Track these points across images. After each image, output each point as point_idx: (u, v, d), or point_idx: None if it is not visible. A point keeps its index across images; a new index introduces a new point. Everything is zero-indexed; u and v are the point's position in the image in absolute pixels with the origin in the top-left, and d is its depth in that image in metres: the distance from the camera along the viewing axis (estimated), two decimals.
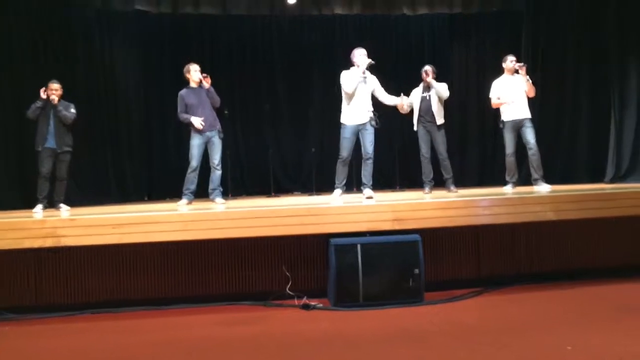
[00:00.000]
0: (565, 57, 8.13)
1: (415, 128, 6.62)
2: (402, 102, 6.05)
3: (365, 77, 5.79)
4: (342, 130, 5.85)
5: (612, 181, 7.08)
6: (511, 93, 6.41)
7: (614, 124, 7.27)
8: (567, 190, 5.49)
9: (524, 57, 8.11)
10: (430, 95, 6.54)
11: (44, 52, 7.37)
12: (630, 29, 7.15)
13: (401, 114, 6.45)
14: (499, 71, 8.62)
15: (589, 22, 7.94)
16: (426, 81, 6.52)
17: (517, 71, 6.37)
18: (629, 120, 7.16)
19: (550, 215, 4.48)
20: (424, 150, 6.56)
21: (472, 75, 9.58)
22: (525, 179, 6.64)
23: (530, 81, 6.33)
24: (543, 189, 5.98)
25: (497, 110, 6.66)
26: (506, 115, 6.48)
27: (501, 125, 6.54)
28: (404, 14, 8.85)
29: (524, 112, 6.37)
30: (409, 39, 9.98)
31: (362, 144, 5.83)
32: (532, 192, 5.28)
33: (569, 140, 7.97)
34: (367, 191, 5.76)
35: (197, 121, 5.95)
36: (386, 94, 5.95)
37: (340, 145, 5.85)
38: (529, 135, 6.28)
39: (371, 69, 5.78)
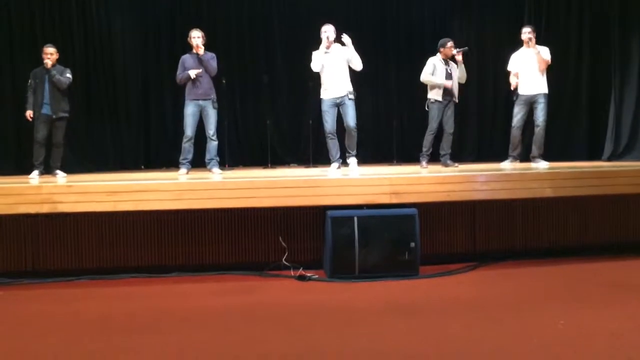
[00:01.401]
0: (568, 32, 8.04)
1: (433, 98, 6.38)
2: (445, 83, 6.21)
3: (327, 52, 5.85)
4: (321, 106, 5.97)
5: (609, 159, 7.08)
6: (526, 66, 6.29)
7: (613, 102, 7.23)
8: (565, 167, 5.49)
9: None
10: (452, 70, 6.40)
11: (41, 19, 7.26)
12: (633, 6, 7.05)
13: (400, 88, 6.43)
14: (500, 44, 8.49)
15: None
16: (456, 58, 6.35)
17: (453, 58, 6.32)
18: (628, 99, 7.12)
19: (548, 192, 4.48)
20: (435, 125, 6.37)
21: (473, 50, 9.45)
22: (525, 156, 6.60)
23: (541, 52, 6.19)
24: (541, 165, 5.98)
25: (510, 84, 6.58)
26: (521, 89, 6.37)
27: (514, 98, 6.47)
28: None
29: (539, 88, 6.26)
30: (410, 12, 9.84)
31: (343, 118, 5.93)
32: (529, 169, 5.28)
33: (568, 116, 7.93)
34: (352, 160, 5.98)
35: (192, 72, 5.92)
36: (357, 61, 5.90)
37: (323, 120, 5.95)
38: (540, 112, 6.22)
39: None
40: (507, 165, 6.38)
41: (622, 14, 7.15)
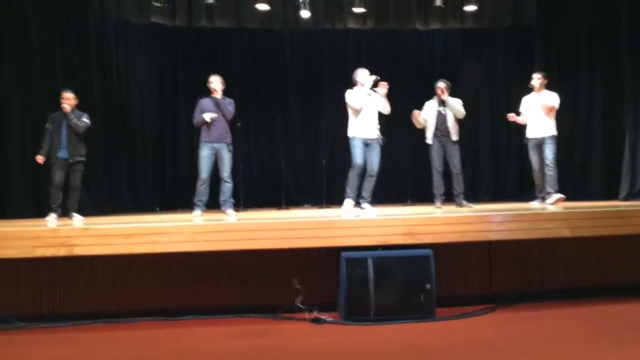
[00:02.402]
0: (579, 72, 8.08)
1: (429, 141, 6.58)
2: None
3: (370, 94, 6.07)
4: (351, 142, 6.08)
5: (626, 198, 7.00)
6: (534, 110, 6.50)
7: (628, 140, 7.18)
8: (582, 207, 5.45)
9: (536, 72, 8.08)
10: (446, 110, 6.53)
11: (61, 63, 7.46)
12: None
13: (415, 127, 6.52)
14: (511, 86, 8.63)
15: (601, 37, 7.90)
16: (441, 98, 6.50)
17: (441, 99, 6.46)
18: None
19: (565, 232, 4.43)
20: (437, 164, 6.54)
21: (484, 90, 9.57)
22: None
23: (546, 99, 6.40)
24: (551, 199, 6.22)
25: (522, 126, 6.78)
26: (529, 132, 6.60)
27: (525, 142, 6.67)
28: (416, 29, 8.87)
29: (546, 130, 6.45)
30: (421, 53, 10.00)
31: (367, 160, 6.06)
32: (554, 209, 5.25)
33: (582, 156, 7.90)
34: (366, 205, 6.05)
35: (207, 115, 6.03)
36: (387, 107, 6.18)
37: (352, 154, 6.05)
38: (548, 152, 6.40)
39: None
40: (537, 205, 6.45)
41: (633, 53, 7.18)
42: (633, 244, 4.83)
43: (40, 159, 6.07)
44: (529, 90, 6.67)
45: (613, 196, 7.23)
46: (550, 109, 6.41)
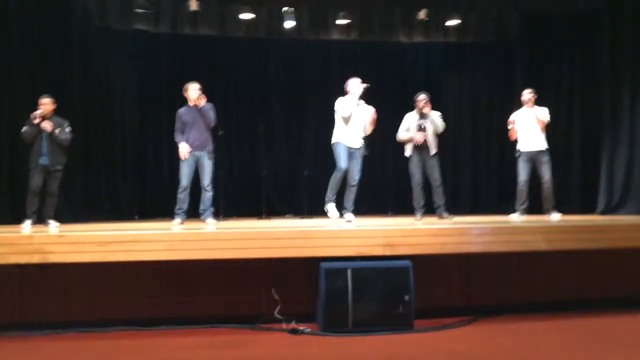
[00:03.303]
0: (559, 88, 8.23)
1: (408, 154, 6.62)
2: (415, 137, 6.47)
3: (358, 104, 6.05)
4: (335, 147, 6.04)
5: (603, 212, 7.10)
6: (526, 125, 6.59)
7: (605, 156, 7.31)
8: (559, 220, 5.50)
9: (518, 88, 8.19)
10: (426, 123, 6.57)
11: (41, 68, 7.36)
12: (623, 63, 7.25)
13: (394, 139, 6.57)
14: (493, 99, 8.78)
15: (581, 55, 8.07)
16: (422, 111, 6.53)
17: (421, 112, 6.54)
18: (620, 152, 7.21)
19: (542, 245, 4.47)
20: (417, 177, 6.58)
21: (466, 103, 9.66)
22: (531, 208, 6.72)
23: (539, 114, 6.50)
24: (553, 217, 6.29)
25: (504, 138, 6.92)
26: (522, 146, 6.65)
27: (517, 155, 6.70)
28: (400, 42, 8.95)
29: (539, 144, 6.54)
30: (405, 66, 10.07)
31: (349, 169, 6.02)
32: (532, 222, 5.29)
33: (561, 170, 8.00)
34: (349, 215, 5.99)
35: (183, 151, 5.98)
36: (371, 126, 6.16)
37: (337, 159, 5.99)
38: (545, 170, 6.50)
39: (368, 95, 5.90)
40: (517, 218, 6.49)
41: (613, 71, 7.32)
42: (610, 258, 4.88)
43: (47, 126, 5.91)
44: (511, 104, 6.77)
45: (591, 210, 7.33)
46: (544, 123, 6.53)
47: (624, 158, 7.17)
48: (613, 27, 7.29)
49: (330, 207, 6.01)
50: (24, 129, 5.93)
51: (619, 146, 7.23)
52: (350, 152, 6.02)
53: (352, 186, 6.07)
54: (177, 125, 6.11)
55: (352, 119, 6.00)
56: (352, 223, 5.65)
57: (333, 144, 6.09)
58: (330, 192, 6.04)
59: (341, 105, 6.02)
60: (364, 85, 6.03)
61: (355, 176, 6.06)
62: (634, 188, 7.09)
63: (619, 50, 7.26)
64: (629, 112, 7.20)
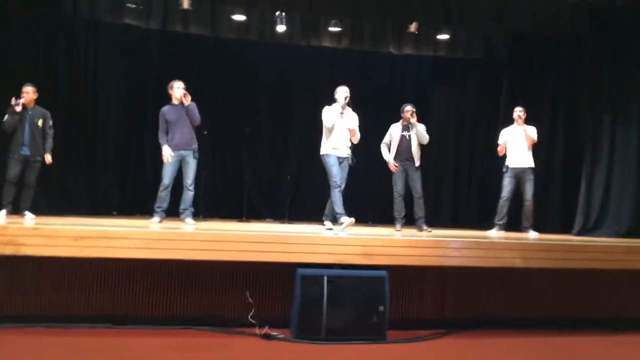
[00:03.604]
0: (542, 107, 8.32)
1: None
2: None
3: (342, 113, 5.95)
4: (326, 159, 5.93)
5: (579, 233, 7.18)
6: (515, 142, 6.71)
7: (584, 178, 7.40)
8: (536, 239, 5.56)
9: (503, 104, 8.30)
10: (410, 135, 6.61)
11: (27, 58, 7.26)
12: (605, 86, 7.36)
13: (378, 149, 6.61)
14: (478, 115, 8.87)
15: (566, 76, 8.19)
16: (410, 122, 6.58)
17: (405, 123, 6.65)
18: (598, 175, 7.30)
19: (518, 262, 4.51)
20: (399, 187, 6.62)
21: (452, 117, 9.72)
22: (510, 225, 6.79)
23: (529, 131, 6.65)
24: (531, 235, 6.38)
25: (488, 155, 7.10)
26: (510, 162, 6.76)
27: (504, 170, 6.80)
28: (390, 53, 9.00)
29: (526, 162, 6.68)
30: (393, 77, 10.12)
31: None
32: (510, 238, 5.33)
33: (541, 190, 8.06)
34: (329, 223, 5.94)
35: (166, 155, 5.93)
36: (357, 137, 6.06)
37: (330, 173, 5.88)
38: (528, 188, 6.63)
39: (354, 104, 5.89)
40: (494, 234, 6.54)
41: (595, 93, 7.43)
42: (583, 278, 4.94)
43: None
44: (495, 120, 6.86)
45: (568, 230, 7.41)
46: (533, 141, 6.68)
47: (603, 180, 7.27)
48: (595, 50, 7.41)
49: (345, 221, 5.66)
50: (6, 118, 5.86)
51: (598, 168, 7.33)
52: (340, 162, 5.94)
53: (334, 188, 5.89)
54: (162, 124, 6.03)
55: (337, 128, 5.93)
56: (332, 231, 5.60)
57: (323, 155, 5.98)
58: (338, 209, 5.79)
59: (325, 115, 5.96)
60: (346, 96, 5.92)
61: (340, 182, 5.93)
62: (610, 210, 7.19)
63: (601, 73, 7.38)
64: (609, 135, 7.30)
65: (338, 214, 5.81)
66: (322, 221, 6.11)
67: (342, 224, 5.66)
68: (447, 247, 4.49)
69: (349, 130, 5.98)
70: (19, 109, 5.80)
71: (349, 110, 6.01)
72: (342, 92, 5.97)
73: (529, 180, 6.63)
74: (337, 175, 5.83)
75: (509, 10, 7.69)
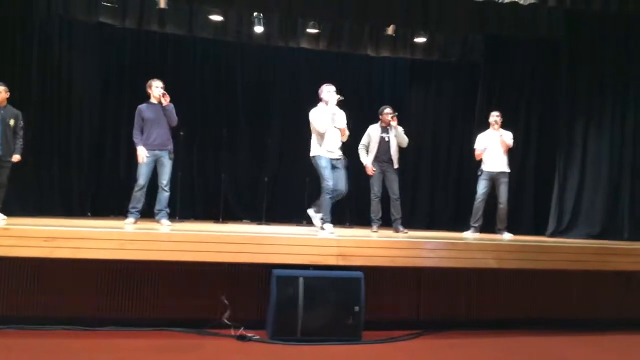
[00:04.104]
0: (518, 111, 8.42)
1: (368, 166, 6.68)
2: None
3: (334, 114, 5.78)
4: (318, 162, 5.68)
5: (552, 235, 7.30)
6: (491, 146, 6.80)
7: (557, 181, 7.53)
8: (510, 240, 5.64)
9: (478, 107, 8.38)
10: (389, 137, 6.65)
11: (0, 56, 7.12)
12: (579, 91, 7.50)
13: (356, 150, 6.62)
14: (454, 117, 8.95)
15: (541, 79, 8.31)
16: (390, 124, 6.61)
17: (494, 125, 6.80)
18: (571, 178, 7.43)
19: (491, 263, 4.57)
20: (376, 189, 6.65)
21: (429, 119, 9.79)
22: (485, 227, 6.88)
23: (505, 137, 6.75)
24: (505, 237, 6.49)
25: (464, 158, 7.19)
26: (485, 166, 6.85)
27: (479, 173, 6.88)
28: (367, 55, 9.05)
29: (501, 166, 6.78)
30: (370, 79, 10.17)
31: (333, 183, 5.67)
32: (490, 239, 5.40)
33: (515, 192, 8.17)
34: (329, 226, 5.63)
35: (141, 155, 5.87)
36: (346, 135, 5.92)
37: (322, 176, 5.63)
38: (502, 191, 6.73)
39: (339, 104, 5.80)
40: (470, 235, 6.61)
41: (569, 98, 7.55)
42: (555, 279, 5.02)
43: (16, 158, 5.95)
44: (471, 123, 6.94)
45: (541, 232, 7.52)
46: (509, 146, 6.79)
47: (575, 183, 7.40)
48: (571, 56, 7.54)
49: (329, 227, 5.54)
50: None
51: (571, 171, 7.46)
52: (332, 164, 5.71)
53: (327, 193, 5.66)
54: (137, 122, 5.96)
55: (329, 130, 5.72)
56: (327, 231, 5.41)
57: (314, 157, 5.75)
58: (325, 213, 5.64)
59: (316, 119, 5.71)
60: (338, 97, 5.75)
61: (341, 188, 5.75)
62: (582, 212, 7.33)
63: (576, 78, 7.50)
64: (582, 139, 7.44)
65: (323, 219, 5.66)
66: (308, 208, 5.93)
67: (323, 229, 5.56)
68: (422, 248, 4.53)
69: (339, 129, 5.80)
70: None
71: (336, 108, 5.81)
72: (332, 92, 5.76)
73: (503, 184, 6.73)
74: (330, 179, 5.59)
75: (486, 14, 7.78)
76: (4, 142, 5.88)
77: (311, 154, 5.80)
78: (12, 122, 5.94)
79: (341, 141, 5.89)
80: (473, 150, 6.97)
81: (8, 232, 3.95)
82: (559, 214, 7.40)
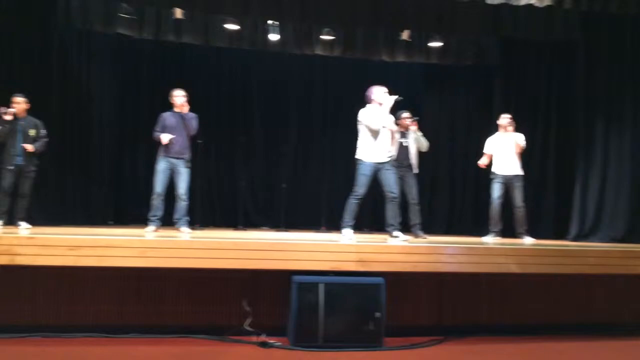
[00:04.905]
0: (535, 114, 8.37)
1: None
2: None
3: (384, 115, 5.73)
4: (359, 167, 5.66)
5: (575, 239, 7.20)
6: (502, 149, 6.74)
7: (579, 183, 7.43)
8: (531, 244, 5.58)
9: (495, 110, 8.31)
10: (409, 142, 6.63)
11: (20, 68, 7.25)
12: (598, 92, 7.40)
13: None
14: (470, 121, 8.90)
15: (559, 82, 8.24)
16: (409, 129, 6.60)
17: (505, 128, 6.75)
18: (593, 180, 7.32)
19: (514, 268, 4.52)
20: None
21: (444, 124, 9.77)
22: (505, 232, 6.84)
23: (518, 140, 6.69)
24: (527, 241, 6.32)
25: (490, 164, 6.96)
26: (497, 169, 6.79)
27: (492, 177, 6.82)
28: (382, 60, 9.05)
29: (514, 169, 6.71)
30: (386, 84, 10.12)
31: (384, 183, 5.68)
32: (505, 244, 5.34)
33: (535, 196, 8.12)
34: (397, 232, 5.65)
35: (166, 137, 5.93)
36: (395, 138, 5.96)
37: (357, 181, 5.63)
38: (517, 195, 6.65)
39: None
40: (490, 240, 6.56)
41: (588, 100, 7.47)
42: (579, 283, 4.95)
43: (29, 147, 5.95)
44: (488, 127, 6.90)
45: (563, 236, 7.43)
46: (522, 148, 6.71)
47: (597, 186, 7.28)
48: (588, 57, 7.46)
49: (348, 233, 5.60)
50: None
51: (592, 174, 7.35)
52: (379, 168, 5.65)
53: (392, 200, 5.69)
54: (158, 127, 6.07)
55: (382, 131, 5.66)
56: (402, 240, 5.39)
57: (357, 159, 5.72)
58: (348, 217, 5.65)
59: (369, 118, 5.63)
60: (396, 97, 5.72)
61: (393, 189, 5.67)
62: (605, 215, 7.20)
63: (594, 78, 7.41)
64: (602, 141, 7.33)
65: (345, 221, 5.67)
66: (388, 232, 5.79)
67: (342, 235, 5.58)
68: (442, 253, 4.49)
69: (390, 131, 5.78)
70: (8, 118, 5.82)
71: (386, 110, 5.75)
72: (386, 95, 5.74)
73: (517, 187, 6.66)
74: (362, 187, 5.58)
75: (501, 17, 7.73)
76: (25, 152, 5.98)
77: (356, 156, 5.74)
78: (32, 132, 6.05)
79: (390, 144, 5.81)
80: (482, 154, 6.91)
81: (32, 241, 4.00)
82: (581, 216, 7.28)
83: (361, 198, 5.65)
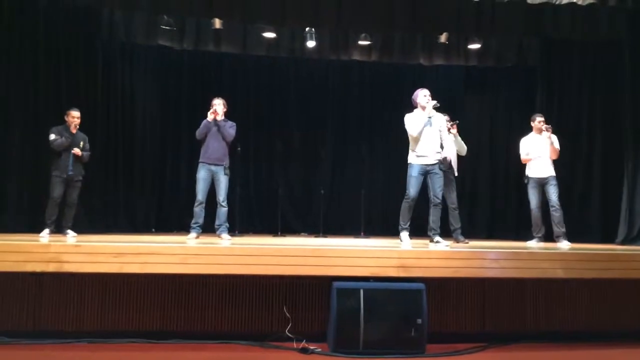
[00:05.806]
0: (580, 115, 8.15)
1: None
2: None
3: (430, 119, 5.73)
4: (409, 169, 5.76)
5: (623, 242, 6.96)
6: (537, 151, 6.59)
7: (626, 184, 7.19)
8: (577, 248, 5.42)
9: (537, 112, 8.12)
10: (446, 144, 6.53)
11: (66, 80, 7.51)
12: None
13: None
14: (511, 124, 8.73)
15: (603, 81, 8.00)
16: (449, 132, 6.53)
17: (541, 130, 6.57)
18: None
19: (559, 273, 4.40)
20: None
21: (485, 127, 9.60)
22: (550, 236, 6.62)
23: (555, 144, 6.51)
24: (563, 246, 6.11)
25: (523, 165, 6.83)
26: (531, 172, 6.65)
27: (525, 181, 6.69)
28: (420, 64, 8.97)
29: (549, 170, 6.54)
30: (425, 86, 10.07)
31: (430, 187, 5.74)
32: (550, 249, 5.21)
33: (580, 198, 7.90)
34: (438, 238, 5.69)
35: (211, 114, 6.11)
36: (446, 136, 5.97)
37: (408, 183, 5.73)
38: (552, 194, 6.45)
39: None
40: (534, 245, 6.42)
41: (634, 100, 7.23)
42: (628, 288, 4.78)
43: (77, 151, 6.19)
44: (530, 130, 6.75)
45: (610, 240, 7.20)
46: (558, 151, 6.54)
47: None
48: (634, 56, 7.22)
49: (404, 236, 5.72)
50: (55, 138, 6.06)
51: None
52: (427, 170, 5.68)
53: (436, 205, 5.72)
54: (201, 128, 6.22)
55: (426, 134, 5.68)
56: (445, 245, 5.39)
57: (408, 164, 5.81)
58: (403, 221, 5.76)
59: (410, 123, 5.73)
60: (434, 102, 5.73)
61: (437, 193, 5.68)
62: None
63: None
64: None
65: (400, 225, 5.77)
66: (430, 237, 5.82)
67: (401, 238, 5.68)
68: (485, 258, 4.41)
69: (440, 132, 5.78)
70: (74, 131, 6.17)
71: (433, 112, 5.77)
72: (427, 97, 5.78)
73: (552, 186, 6.47)
74: (412, 188, 5.65)
75: (542, 16, 7.56)
76: (75, 163, 6.19)
77: (408, 160, 5.83)
78: (81, 145, 6.27)
79: (441, 146, 5.81)
80: (518, 155, 6.76)
81: (79, 249, 4.12)
82: (629, 219, 7.04)
83: (413, 200, 5.70)
